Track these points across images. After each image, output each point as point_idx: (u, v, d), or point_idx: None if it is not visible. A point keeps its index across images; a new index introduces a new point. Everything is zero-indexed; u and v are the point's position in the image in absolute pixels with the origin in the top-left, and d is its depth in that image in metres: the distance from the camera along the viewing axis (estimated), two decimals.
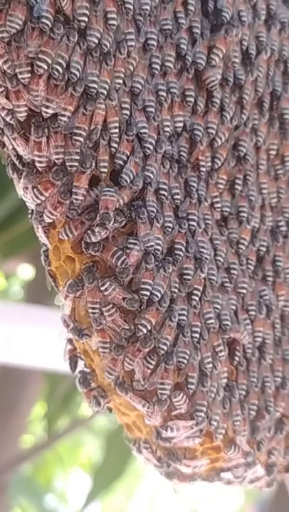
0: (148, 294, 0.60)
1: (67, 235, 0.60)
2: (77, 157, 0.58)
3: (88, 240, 0.59)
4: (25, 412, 1.98)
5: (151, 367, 0.61)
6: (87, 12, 0.57)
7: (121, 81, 0.60)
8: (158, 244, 0.61)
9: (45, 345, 1.49)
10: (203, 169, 0.65)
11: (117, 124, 0.59)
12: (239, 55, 0.66)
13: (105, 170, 0.59)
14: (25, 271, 2.17)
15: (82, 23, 0.56)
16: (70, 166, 0.58)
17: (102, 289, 0.59)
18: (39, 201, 0.59)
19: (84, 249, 0.60)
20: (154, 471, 0.69)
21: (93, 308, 0.61)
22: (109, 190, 0.59)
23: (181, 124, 0.64)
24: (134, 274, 0.60)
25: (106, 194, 0.59)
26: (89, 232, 0.59)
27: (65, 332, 0.64)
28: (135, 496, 3.20)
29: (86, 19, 0.57)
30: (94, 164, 0.58)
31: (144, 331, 0.60)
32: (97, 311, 0.60)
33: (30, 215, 0.62)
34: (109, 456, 1.96)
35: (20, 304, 1.95)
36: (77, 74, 0.57)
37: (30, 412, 2.06)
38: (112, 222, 0.59)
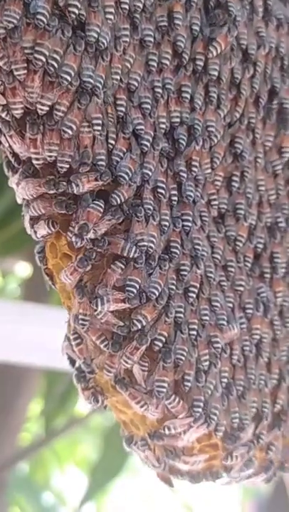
0: (134, 291, 0.60)
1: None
2: (69, 159, 0.58)
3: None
4: (22, 410, 1.98)
5: (146, 368, 0.61)
6: (79, 4, 0.56)
7: (118, 77, 0.59)
8: (151, 242, 0.61)
9: (42, 342, 1.49)
10: (194, 169, 0.65)
11: (100, 122, 0.58)
12: (239, 53, 0.66)
13: (103, 163, 0.59)
14: (23, 269, 2.16)
15: (73, 15, 0.56)
16: (61, 167, 0.58)
17: (97, 308, 0.60)
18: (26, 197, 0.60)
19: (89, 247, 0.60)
20: (150, 470, 0.69)
21: (83, 320, 0.61)
22: (98, 205, 0.59)
23: (177, 120, 0.63)
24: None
25: (94, 207, 0.58)
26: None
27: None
28: (131, 494, 3.20)
29: (77, 11, 0.56)
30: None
31: (139, 326, 0.60)
32: (87, 323, 0.61)
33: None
34: (106, 454, 1.96)
35: (18, 302, 1.95)
36: (72, 73, 0.56)
37: (28, 410, 2.06)
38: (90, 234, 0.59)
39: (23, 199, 0.60)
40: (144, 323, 0.60)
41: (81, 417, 2.09)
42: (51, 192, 0.59)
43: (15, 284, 2.47)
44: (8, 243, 1.63)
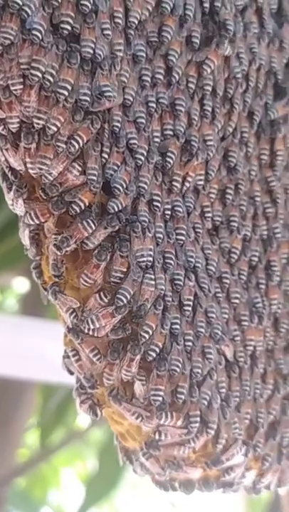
0: (124, 300, 0.60)
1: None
2: (55, 175, 0.59)
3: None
4: (21, 425, 1.98)
5: (144, 380, 0.62)
6: (72, 21, 0.57)
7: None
8: (149, 256, 0.62)
9: (40, 356, 1.49)
10: (187, 184, 0.66)
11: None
12: (238, 67, 0.67)
13: (94, 178, 0.60)
14: (21, 284, 2.17)
15: (66, 31, 0.57)
16: (44, 178, 0.59)
17: (88, 327, 0.61)
18: (34, 223, 0.61)
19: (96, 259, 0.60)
20: (149, 482, 0.70)
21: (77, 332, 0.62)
22: (89, 224, 0.59)
23: (170, 133, 0.64)
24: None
25: (84, 226, 0.59)
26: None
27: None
28: (131, 508, 3.19)
29: (69, 27, 0.57)
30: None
31: (147, 337, 0.61)
32: (80, 334, 0.62)
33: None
34: (103, 467, 1.96)
35: (16, 317, 1.96)
36: (69, 88, 0.57)
37: (26, 425, 2.06)
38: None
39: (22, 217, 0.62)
40: (151, 333, 0.61)
41: (80, 431, 2.09)
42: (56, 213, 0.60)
43: (13, 299, 2.47)
44: (5, 258, 1.63)
